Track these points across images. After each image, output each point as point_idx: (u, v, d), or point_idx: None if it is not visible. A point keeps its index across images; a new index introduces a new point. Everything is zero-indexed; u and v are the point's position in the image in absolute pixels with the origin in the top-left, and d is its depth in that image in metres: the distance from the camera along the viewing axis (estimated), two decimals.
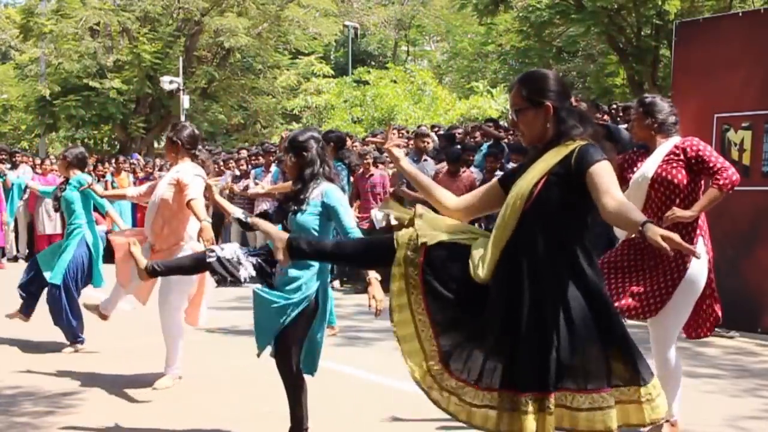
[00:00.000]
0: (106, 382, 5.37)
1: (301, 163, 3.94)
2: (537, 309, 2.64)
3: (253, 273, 3.89)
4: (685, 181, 4.02)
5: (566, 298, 2.64)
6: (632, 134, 4.26)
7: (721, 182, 3.99)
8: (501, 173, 8.99)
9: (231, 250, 3.88)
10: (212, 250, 3.89)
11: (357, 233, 3.88)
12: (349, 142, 13.00)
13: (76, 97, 22.98)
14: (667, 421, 4.16)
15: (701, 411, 4.36)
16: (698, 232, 4.06)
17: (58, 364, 5.93)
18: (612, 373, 2.64)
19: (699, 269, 3.99)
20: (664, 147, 4.11)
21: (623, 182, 4.18)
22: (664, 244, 2.35)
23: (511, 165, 9.32)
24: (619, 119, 10.22)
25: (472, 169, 9.86)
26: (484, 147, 10.42)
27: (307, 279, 3.86)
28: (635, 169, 4.19)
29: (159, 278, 4.90)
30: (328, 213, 3.88)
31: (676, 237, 2.38)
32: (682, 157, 4.04)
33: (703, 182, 4.12)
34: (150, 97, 24.33)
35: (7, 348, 6.50)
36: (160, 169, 13.80)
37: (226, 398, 5.01)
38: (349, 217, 3.91)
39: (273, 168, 11.71)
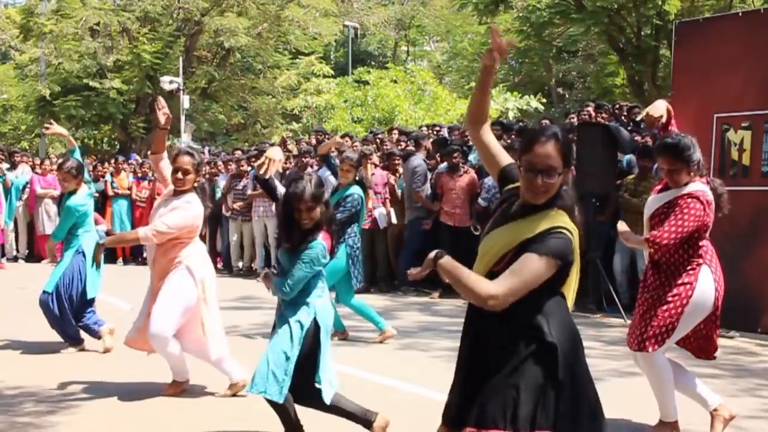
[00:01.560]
0: (106, 382, 5.37)
1: (324, 215, 3.94)
2: (499, 356, 2.56)
3: None
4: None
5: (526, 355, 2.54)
6: (672, 185, 4.15)
7: (651, 239, 4.08)
8: None
9: None
10: None
11: (289, 292, 3.89)
12: (349, 142, 13.04)
13: (76, 97, 22.99)
14: (668, 423, 4.19)
15: (701, 411, 4.37)
16: (701, 261, 4.12)
17: (60, 365, 5.94)
18: None
19: (704, 296, 4.07)
20: (682, 190, 4.11)
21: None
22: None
23: None
24: (623, 118, 10.24)
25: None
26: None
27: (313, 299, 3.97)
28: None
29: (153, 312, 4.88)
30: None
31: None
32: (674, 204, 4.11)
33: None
34: (150, 97, 24.31)
35: (8, 348, 6.50)
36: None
37: (226, 398, 5.01)
38: (300, 275, 3.87)
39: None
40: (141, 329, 5.04)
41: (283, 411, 3.97)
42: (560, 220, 2.57)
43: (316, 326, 3.93)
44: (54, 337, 6.50)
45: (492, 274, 2.57)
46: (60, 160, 6.68)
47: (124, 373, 5.56)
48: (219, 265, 12.97)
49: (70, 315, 6.30)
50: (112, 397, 5.00)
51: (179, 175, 4.90)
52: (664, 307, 4.09)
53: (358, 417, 4.03)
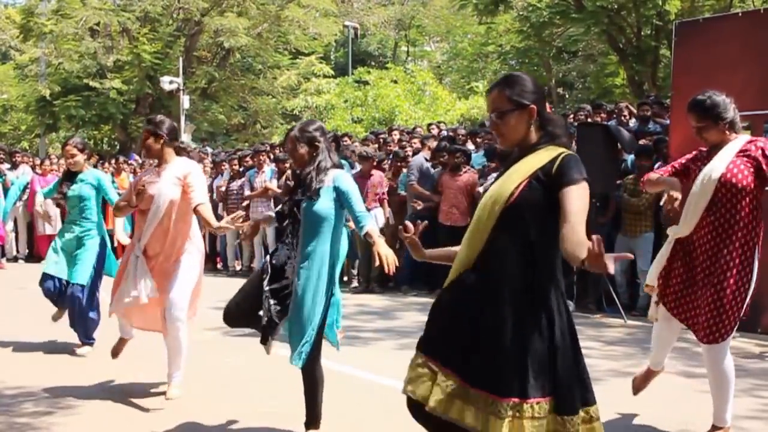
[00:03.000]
0: (106, 382, 5.37)
1: (314, 152, 3.99)
2: (515, 314, 2.59)
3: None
4: (752, 184, 3.96)
5: (547, 305, 2.62)
6: (704, 142, 4.09)
7: None
8: None
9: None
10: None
11: (367, 218, 3.91)
12: (348, 141, 13.04)
13: (76, 97, 23.00)
14: (721, 428, 4.11)
15: (700, 411, 4.37)
16: (758, 239, 4.02)
17: (59, 365, 5.94)
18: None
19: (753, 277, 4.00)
20: (734, 145, 4.03)
21: (688, 173, 4.17)
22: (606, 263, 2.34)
23: None
24: (624, 119, 10.24)
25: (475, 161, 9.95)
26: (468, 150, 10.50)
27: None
28: (700, 164, 4.11)
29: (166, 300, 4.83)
30: (340, 199, 3.93)
31: (602, 258, 2.34)
32: (753, 157, 3.97)
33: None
34: (150, 98, 24.34)
35: (8, 348, 6.50)
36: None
37: (226, 397, 5.01)
38: (359, 202, 3.96)
39: (266, 168, 11.72)
40: (145, 307, 4.96)
41: (315, 383, 3.95)
42: (559, 149, 2.68)
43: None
44: (55, 337, 6.51)
45: (506, 212, 2.62)
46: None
47: (123, 373, 5.56)
48: (219, 265, 12.97)
49: (99, 303, 6.31)
50: (111, 397, 5.00)
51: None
52: (730, 294, 3.91)
53: (314, 406, 3.99)
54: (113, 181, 14.03)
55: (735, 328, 3.97)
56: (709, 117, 4.03)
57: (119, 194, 13.80)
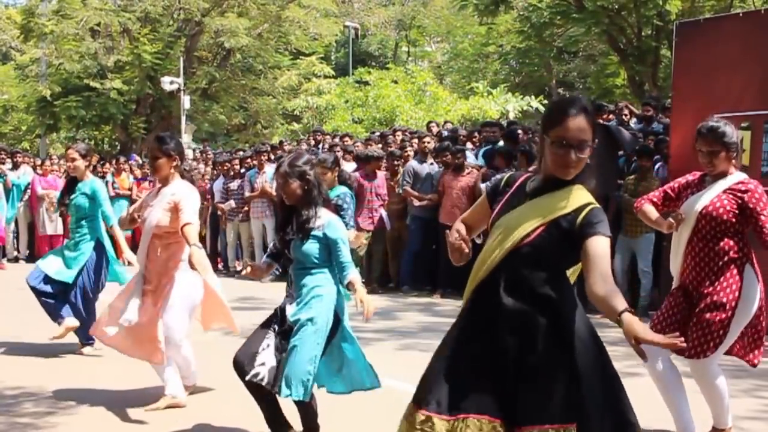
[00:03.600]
0: (107, 382, 5.38)
1: (305, 185, 3.94)
2: (527, 340, 2.52)
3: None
4: (734, 221, 4.00)
5: (561, 335, 2.53)
6: (710, 169, 4.09)
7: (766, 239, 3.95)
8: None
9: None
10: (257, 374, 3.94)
11: (350, 268, 3.89)
12: (349, 141, 13.03)
13: (76, 98, 23.00)
14: (723, 430, 4.15)
15: (700, 411, 4.36)
16: (746, 260, 4.05)
17: (60, 365, 5.94)
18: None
19: (750, 299, 4.01)
20: (727, 181, 4.05)
21: (679, 197, 4.20)
22: (632, 342, 2.27)
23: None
24: (624, 118, 10.24)
25: (471, 161, 9.94)
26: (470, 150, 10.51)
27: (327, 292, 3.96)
28: (689, 193, 4.16)
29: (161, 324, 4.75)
30: (328, 244, 3.91)
31: (643, 339, 2.27)
32: (740, 197, 4.00)
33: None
34: (151, 98, 24.34)
35: (8, 349, 6.50)
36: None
37: (226, 398, 5.01)
38: (346, 251, 3.93)
39: (266, 168, 11.71)
40: (133, 331, 4.82)
41: (308, 410, 3.97)
42: (588, 195, 2.57)
43: (336, 318, 3.96)
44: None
45: (517, 251, 2.54)
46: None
47: (124, 373, 5.56)
48: (219, 265, 12.97)
49: (94, 307, 6.32)
50: (111, 398, 5.00)
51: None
52: (715, 313, 3.96)
53: (310, 422, 4.01)
54: (114, 182, 14.05)
55: (719, 348, 4.00)
56: (724, 144, 4.03)
57: (119, 194, 13.94)
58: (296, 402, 3.89)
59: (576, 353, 2.51)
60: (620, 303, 2.34)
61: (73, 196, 6.28)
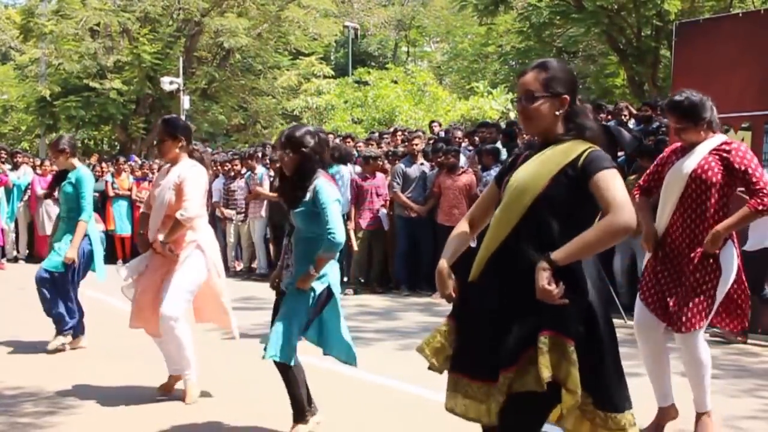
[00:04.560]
0: (107, 381, 5.37)
1: (299, 159, 3.95)
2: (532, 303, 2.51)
3: None
4: (722, 181, 4.00)
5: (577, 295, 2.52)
6: (682, 141, 4.14)
7: (759, 206, 3.94)
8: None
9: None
10: None
11: (336, 235, 3.84)
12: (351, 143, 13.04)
13: (76, 98, 23.00)
14: (704, 413, 4.15)
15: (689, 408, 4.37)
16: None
17: (60, 365, 5.94)
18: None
19: (729, 268, 4.02)
20: (709, 143, 4.06)
21: (663, 169, 4.21)
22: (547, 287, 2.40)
23: None
24: (623, 118, 10.24)
25: (462, 162, 9.97)
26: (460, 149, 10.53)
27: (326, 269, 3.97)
28: (674, 159, 4.17)
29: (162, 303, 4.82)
30: (318, 212, 3.91)
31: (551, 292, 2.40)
32: (723, 158, 4.01)
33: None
34: (150, 98, 24.35)
35: (8, 348, 6.50)
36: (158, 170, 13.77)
37: (227, 398, 5.01)
38: (333, 217, 3.87)
39: (258, 170, 11.70)
40: (142, 309, 4.97)
41: (291, 379, 3.98)
42: (586, 144, 2.63)
43: (329, 293, 3.98)
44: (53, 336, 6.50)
45: (534, 209, 2.56)
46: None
47: (124, 374, 5.56)
48: None
49: (75, 296, 6.34)
50: (112, 397, 5.00)
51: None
52: (701, 287, 3.97)
53: (298, 404, 4.02)
54: (113, 182, 14.04)
55: (707, 319, 4.01)
56: (689, 118, 4.08)
57: (119, 194, 13.94)
58: (278, 366, 3.93)
59: (593, 306, 2.55)
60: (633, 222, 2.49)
61: (62, 184, 6.30)
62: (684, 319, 3.98)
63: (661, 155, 4.39)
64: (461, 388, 2.67)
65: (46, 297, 6.26)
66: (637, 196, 4.40)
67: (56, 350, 6.31)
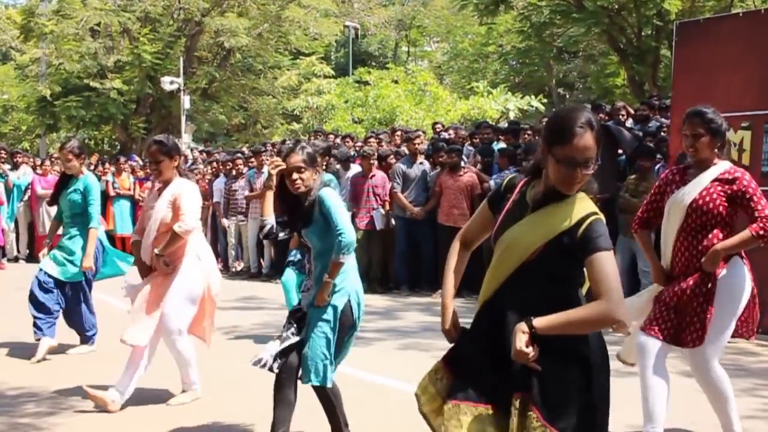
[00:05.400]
0: (108, 383, 5.37)
1: (316, 176, 3.94)
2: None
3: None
4: (724, 213, 3.96)
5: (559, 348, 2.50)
6: (692, 154, 4.04)
7: (761, 231, 3.91)
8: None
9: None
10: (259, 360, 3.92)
11: (345, 234, 3.82)
12: (350, 143, 13.03)
13: (76, 98, 23.00)
14: None
15: (700, 410, 4.37)
16: (734, 253, 4.03)
17: (61, 366, 5.94)
18: None
19: (735, 288, 4.00)
20: (712, 171, 4.00)
21: (663, 198, 4.17)
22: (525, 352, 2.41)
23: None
24: (621, 118, 10.24)
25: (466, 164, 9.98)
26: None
27: (345, 282, 3.95)
28: (674, 187, 4.11)
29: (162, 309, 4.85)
30: (325, 218, 3.88)
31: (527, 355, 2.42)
32: (727, 187, 3.95)
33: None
34: (151, 98, 24.35)
35: (8, 349, 6.50)
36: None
37: (227, 398, 5.02)
38: (340, 218, 3.85)
39: (265, 168, 11.70)
40: (141, 321, 4.91)
41: (329, 399, 3.99)
42: (589, 204, 2.55)
43: (352, 319, 3.98)
44: (56, 338, 6.50)
45: (523, 268, 2.53)
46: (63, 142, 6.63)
47: None
48: (219, 266, 12.95)
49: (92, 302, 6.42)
50: None
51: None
52: (703, 304, 3.94)
53: (336, 424, 4.04)
54: (114, 182, 14.04)
55: (713, 340, 3.96)
56: (709, 130, 3.98)
57: (119, 194, 13.94)
58: (315, 389, 3.93)
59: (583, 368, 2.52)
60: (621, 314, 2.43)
61: (67, 191, 6.28)
62: (695, 335, 3.94)
63: (657, 183, 4.32)
64: (463, 413, 2.60)
65: (65, 307, 6.34)
66: (638, 230, 4.36)
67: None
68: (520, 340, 2.42)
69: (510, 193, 2.70)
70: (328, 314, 3.88)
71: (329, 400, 4.00)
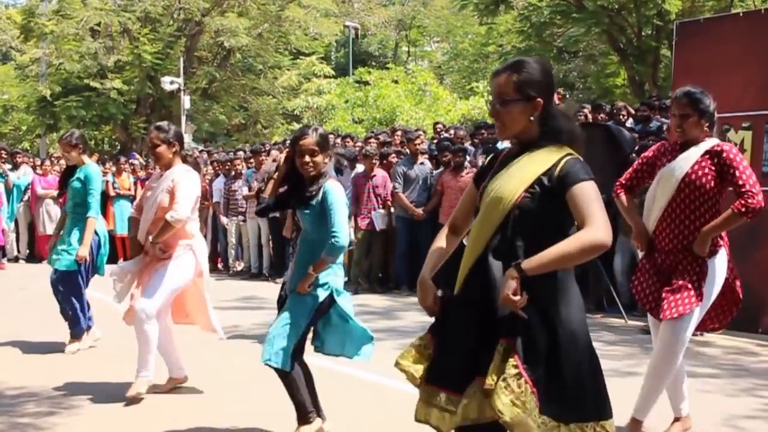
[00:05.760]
0: (108, 382, 5.38)
1: (328, 160, 3.94)
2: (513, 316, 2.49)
3: None
4: (714, 188, 3.96)
5: (546, 305, 2.52)
6: (679, 134, 4.06)
7: (743, 209, 3.89)
8: None
9: None
10: None
11: (339, 239, 3.82)
12: (351, 142, 13.02)
13: (76, 98, 23.01)
14: (677, 419, 4.14)
15: (699, 410, 4.37)
16: (720, 241, 4.02)
17: (61, 365, 5.94)
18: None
19: (719, 274, 4.00)
20: (702, 146, 4.01)
21: (653, 169, 4.17)
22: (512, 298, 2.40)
23: None
24: (621, 118, 10.24)
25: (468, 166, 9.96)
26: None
27: (330, 277, 3.97)
28: (665, 161, 4.11)
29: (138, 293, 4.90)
30: (324, 209, 3.89)
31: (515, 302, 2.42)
32: (716, 161, 3.96)
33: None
34: (151, 98, 24.36)
35: (9, 349, 6.50)
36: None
37: (226, 397, 5.01)
38: (339, 219, 3.85)
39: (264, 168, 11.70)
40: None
41: (290, 383, 3.96)
42: (565, 149, 2.57)
43: (331, 300, 3.97)
44: (56, 337, 6.51)
45: (511, 220, 2.53)
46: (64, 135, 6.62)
47: (124, 373, 5.55)
48: (219, 266, 12.96)
49: (85, 296, 6.41)
50: (113, 397, 5.00)
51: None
52: (690, 282, 3.93)
53: (299, 408, 4.00)
54: (114, 182, 14.04)
55: (693, 310, 3.91)
56: (696, 109, 4.02)
57: (120, 194, 13.94)
58: (276, 371, 3.91)
59: (561, 333, 2.55)
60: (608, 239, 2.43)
61: (71, 180, 6.29)
62: (666, 306, 3.93)
63: (644, 153, 4.33)
64: (436, 400, 2.64)
65: (61, 298, 6.31)
66: (620, 194, 4.35)
67: (76, 351, 6.37)
68: (509, 287, 2.42)
69: (493, 165, 2.75)
70: (307, 304, 3.90)
71: (289, 384, 3.96)
